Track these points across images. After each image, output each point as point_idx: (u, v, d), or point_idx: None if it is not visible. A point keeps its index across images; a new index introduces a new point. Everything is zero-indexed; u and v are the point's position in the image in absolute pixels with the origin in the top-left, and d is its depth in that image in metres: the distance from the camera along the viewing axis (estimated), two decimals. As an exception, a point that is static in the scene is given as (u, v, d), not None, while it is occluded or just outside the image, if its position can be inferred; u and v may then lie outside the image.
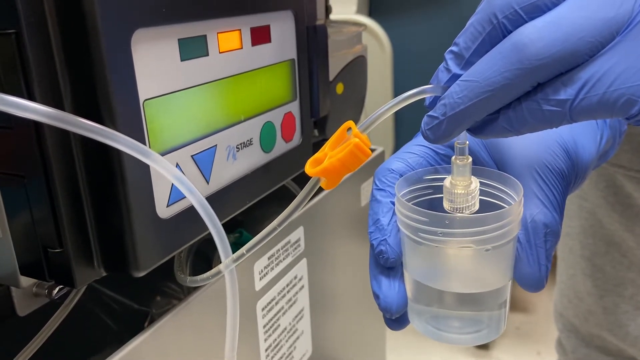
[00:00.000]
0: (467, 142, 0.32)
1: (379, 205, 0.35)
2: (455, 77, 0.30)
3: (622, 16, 0.26)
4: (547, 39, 0.26)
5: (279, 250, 0.52)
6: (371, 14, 1.57)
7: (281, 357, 0.54)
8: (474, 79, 0.28)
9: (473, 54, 0.29)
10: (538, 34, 0.27)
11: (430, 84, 0.31)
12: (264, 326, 0.51)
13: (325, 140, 0.31)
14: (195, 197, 0.32)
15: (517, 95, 0.28)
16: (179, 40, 0.36)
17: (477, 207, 0.32)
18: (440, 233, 0.30)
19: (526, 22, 0.27)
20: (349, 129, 0.30)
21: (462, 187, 0.32)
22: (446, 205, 0.33)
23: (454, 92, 0.29)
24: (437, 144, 0.36)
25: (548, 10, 0.27)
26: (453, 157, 0.32)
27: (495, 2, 0.28)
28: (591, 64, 0.26)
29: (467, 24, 0.29)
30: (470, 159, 0.32)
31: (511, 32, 0.28)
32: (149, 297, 0.58)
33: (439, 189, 0.34)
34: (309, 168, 0.31)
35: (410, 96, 0.30)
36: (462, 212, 0.32)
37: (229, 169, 0.42)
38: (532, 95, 0.28)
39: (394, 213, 0.34)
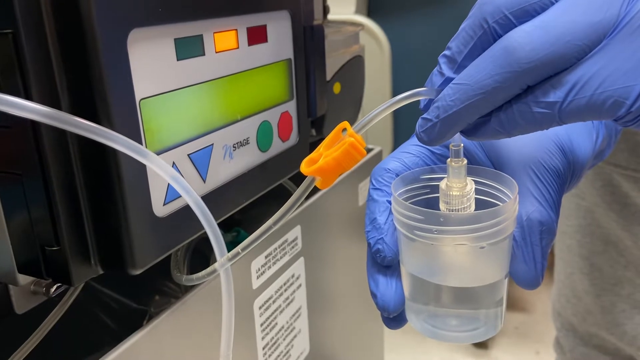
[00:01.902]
0: (462, 145, 0.32)
1: (375, 205, 0.35)
2: (448, 81, 0.30)
3: (608, 20, 0.26)
4: (536, 42, 0.27)
5: (276, 249, 0.52)
6: (370, 14, 1.57)
7: (278, 356, 0.55)
8: (465, 82, 0.29)
9: (465, 58, 0.29)
10: (527, 38, 0.27)
11: (424, 87, 0.31)
12: (261, 324, 0.51)
13: (323, 139, 0.32)
14: (191, 196, 0.33)
15: (508, 97, 0.28)
16: (175, 39, 0.36)
17: (472, 208, 0.33)
18: (435, 230, 0.31)
19: (516, 26, 0.28)
20: (344, 129, 0.31)
21: (458, 189, 0.32)
22: (442, 207, 0.33)
23: (446, 95, 0.29)
24: (431, 146, 0.36)
25: (537, 14, 0.28)
26: (448, 160, 0.32)
27: (486, 7, 0.28)
28: (579, 67, 0.27)
29: (459, 29, 0.30)
30: (465, 161, 0.32)
31: (501, 36, 0.28)
32: (147, 296, 0.58)
33: (436, 189, 0.34)
34: (304, 167, 0.31)
35: (404, 98, 0.31)
36: None
37: (225, 168, 0.43)
38: (522, 97, 0.28)
39: (390, 212, 0.35)
